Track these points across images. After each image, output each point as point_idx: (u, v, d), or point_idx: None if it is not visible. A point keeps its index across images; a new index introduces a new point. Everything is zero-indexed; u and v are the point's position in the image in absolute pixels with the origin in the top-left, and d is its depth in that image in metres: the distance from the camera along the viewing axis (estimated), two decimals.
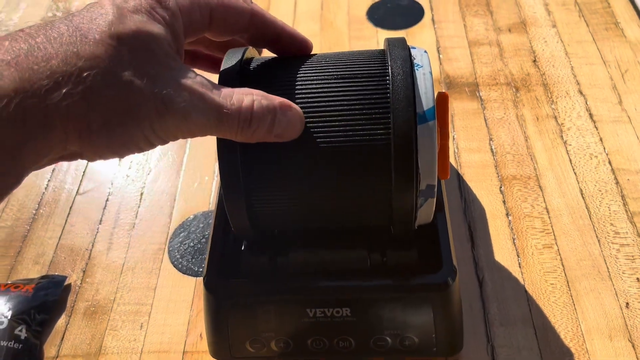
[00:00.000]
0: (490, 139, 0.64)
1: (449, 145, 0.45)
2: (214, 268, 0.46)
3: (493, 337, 0.49)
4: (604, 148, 0.62)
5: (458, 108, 0.67)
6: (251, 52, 0.45)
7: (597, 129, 0.64)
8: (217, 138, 0.40)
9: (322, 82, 0.41)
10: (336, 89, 0.41)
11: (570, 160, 0.61)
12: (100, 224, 0.61)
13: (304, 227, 0.47)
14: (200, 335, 0.52)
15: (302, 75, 0.42)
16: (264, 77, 0.42)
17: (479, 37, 0.75)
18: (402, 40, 0.43)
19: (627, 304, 0.50)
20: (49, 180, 0.65)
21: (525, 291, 0.52)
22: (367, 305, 0.45)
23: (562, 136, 0.63)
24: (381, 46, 0.58)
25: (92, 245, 0.59)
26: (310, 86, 0.41)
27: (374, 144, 0.40)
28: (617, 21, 0.75)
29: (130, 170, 0.65)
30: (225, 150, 0.40)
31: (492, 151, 0.63)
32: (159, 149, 0.67)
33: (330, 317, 0.45)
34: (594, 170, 0.60)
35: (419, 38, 0.76)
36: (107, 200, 0.63)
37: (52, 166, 0.66)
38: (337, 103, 0.40)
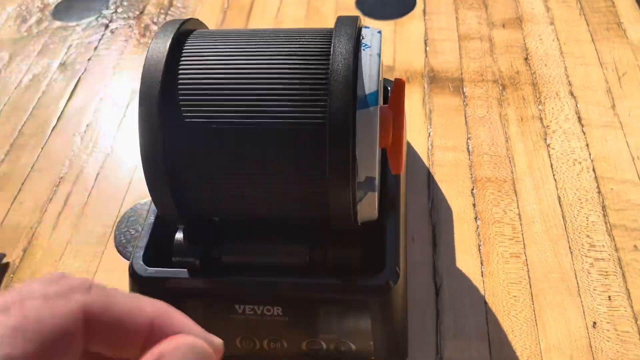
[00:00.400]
0: (469, 138, 0.60)
1: (404, 136, 0.41)
2: (142, 255, 0.43)
3: (443, 349, 0.45)
4: (590, 154, 0.57)
5: (438, 104, 0.63)
6: (192, 23, 0.42)
7: (584, 134, 0.59)
8: (139, 115, 0.37)
9: (261, 57, 0.38)
10: (275, 66, 0.37)
11: (552, 165, 0.56)
12: (49, 202, 0.58)
13: (242, 216, 0.44)
14: None
15: (241, 50, 0.39)
16: (198, 53, 0.39)
17: (471, 31, 0.71)
18: (353, 18, 0.40)
19: (594, 323, 0.46)
20: (5, 155, 0.63)
21: (485, 302, 0.48)
22: (299, 305, 0.41)
23: (545, 139, 0.59)
24: None
25: (38, 225, 0.56)
26: (247, 62, 0.38)
27: (309, 128, 0.36)
28: (620, 21, 0.70)
29: (89, 149, 0.63)
30: (146, 129, 0.37)
31: (468, 150, 0.59)
32: (122, 130, 0.65)
33: (261, 315, 0.42)
34: (576, 177, 0.55)
35: (407, 29, 0.72)
36: (61, 178, 0.60)
37: (10, 140, 0.64)
38: (274, 81, 0.37)
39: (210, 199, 0.40)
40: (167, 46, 0.38)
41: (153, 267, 0.43)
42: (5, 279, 0.52)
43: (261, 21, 0.75)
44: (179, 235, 0.44)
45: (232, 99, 0.37)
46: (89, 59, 0.73)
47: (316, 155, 0.37)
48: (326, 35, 0.39)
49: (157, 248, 0.44)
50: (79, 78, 0.71)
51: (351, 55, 0.36)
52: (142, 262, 0.43)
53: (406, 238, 0.51)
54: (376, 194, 0.38)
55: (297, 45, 0.38)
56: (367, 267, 0.42)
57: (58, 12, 0.80)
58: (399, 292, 0.41)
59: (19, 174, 0.61)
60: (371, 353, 0.42)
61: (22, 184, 0.60)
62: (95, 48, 0.75)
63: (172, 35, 0.38)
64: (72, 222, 0.56)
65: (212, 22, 0.76)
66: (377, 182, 0.38)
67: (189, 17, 0.78)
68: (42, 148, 0.63)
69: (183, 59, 0.38)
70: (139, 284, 0.42)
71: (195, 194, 0.39)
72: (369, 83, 0.36)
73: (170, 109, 0.37)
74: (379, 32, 0.40)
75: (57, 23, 0.78)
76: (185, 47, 0.39)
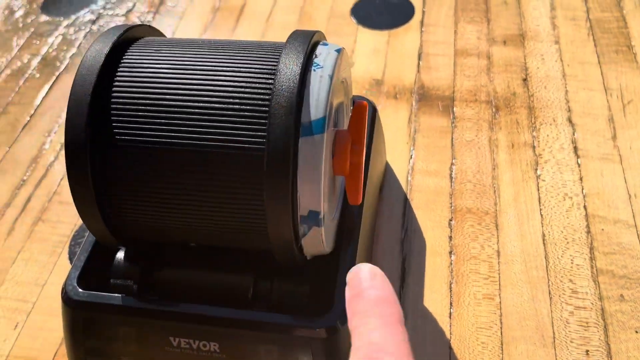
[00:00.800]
0: (453, 163, 0.56)
1: (362, 164, 0.38)
2: (76, 275, 0.40)
3: None
4: (583, 189, 0.53)
5: (425, 123, 0.59)
6: (141, 30, 0.39)
7: (579, 166, 0.54)
8: (65, 131, 0.34)
9: (204, 73, 0.35)
10: (216, 84, 0.34)
11: (540, 199, 0.52)
12: (8, 207, 0.56)
13: (181, 243, 0.41)
14: None
15: (184, 63, 0.35)
16: (136, 64, 0.35)
17: (469, 46, 0.67)
18: (308, 33, 0.36)
19: None
20: None
21: (450, 348, 0.44)
22: (238, 343, 0.38)
23: (536, 169, 0.54)
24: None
25: None
26: (188, 77, 0.35)
27: (248, 154, 0.33)
28: (632, 44, 0.65)
29: (56, 152, 0.60)
30: (73, 148, 0.34)
31: (451, 177, 0.54)
32: None
33: (197, 350, 0.39)
34: (565, 213, 0.51)
35: (402, 40, 0.68)
36: (22, 183, 0.58)
37: None
38: (214, 100, 0.34)
39: (145, 225, 0.36)
40: (104, 55, 0.35)
41: (91, 289, 0.40)
42: None
43: (250, 25, 0.72)
44: (120, 255, 0.41)
45: (167, 118, 0.34)
46: (71, 56, 0.71)
47: (255, 185, 0.33)
48: (277, 51, 0.36)
49: (98, 268, 0.41)
50: (58, 75, 0.69)
51: (297, 77, 0.33)
52: (75, 284, 0.40)
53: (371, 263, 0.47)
54: (322, 229, 0.35)
55: (245, 61, 0.35)
56: (317, 302, 0.39)
57: (46, 6, 0.78)
58: (346, 334, 0.38)
59: None
60: None
61: None
62: (79, 45, 0.72)
63: (110, 43, 0.35)
64: (27, 229, 0.54)
65: (201, 23, 0.73)
66: (322, 216, 0.34)
67: (178, 16, 0.75)
68: (9, 147, 0.61)
69: (119, 70, 0.35)
70: (69, 307, 0.39)
71: (128, 219, 0.36)
72: (316, 108, 0.33)
73: (99, 126, 0.34)
74: (338, 50, 0.36)
75: (44, 17, 0.76)
76: (125, 57, 0.36)
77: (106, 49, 0.35)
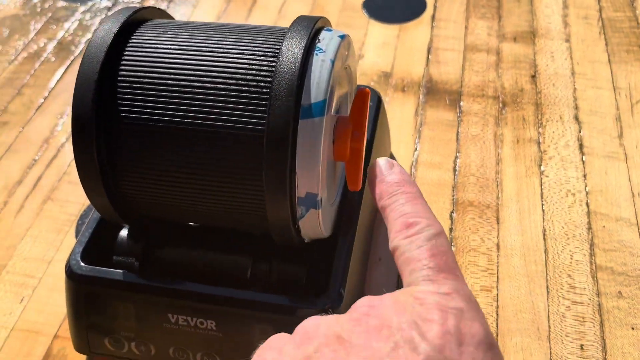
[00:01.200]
0: (457, 157, 0.56)
1: (362, 150, 0.38)
2: (81, 250, 0.41)
3: None
4: (586, 186, 0.53)
5: (431, 117, 0.59)
6: (149, 12, 0.40)
7: (583, 163, 0.54)
8: (72, 109, 0.35)
9: (208, 54, 0.35)
10: (220, 65, 0.35)
11: (542, 194, 0.52)
12: (19, 185, 0.57)
13: (183, 222, 0.42)
14: None
15: (190, 45, 0.36)
16: (143, 45, 0.36)
17: (479, 42, 0.67)
18: (312, 19, 0.37)
19: None
20: None
21: None
22: (234, 321, 0.39)
23: (540, 165, 0.55)
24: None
25: (4, 205, 0.55)
26: (193, 59, 0.35)
27: (247, 136, 0.34)
28: None
29: (68, 133, 0.62)
30: (79, 125, 0.35)
31: (454, 170, 0.55)
32: None
33: (194, 328, 0.39)
34: (567, 209, 0.51)
35: (412, 34, 0.68)
36: (35, 161, 0.59)
37: None
38: (217, 81, 0.34)
39: (148, 203, 0.37)
40: (113, 34, 0.36)
41: (94, 265, 0.41)
42: None
43: (263, 15, 0.73)
44: (123, 233, 0.42)
45: (172, 97, 0.34)
46: (86, 41, 0.72)
47: (255, 165, 0.34)
48: (281, 35, 0.36)
49: (102, 245, 0.42)
50: (73, 60, 0.70)
51: (299, 60, 0.33)
52: (79, 259, 0.41)
53: (368, 258, 0.47)
54: (319, 212, 0.35)
55: (249, 43, 0.36)
56: (314, 285, 0.39)
57: None
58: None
59: None
60: None
61: None
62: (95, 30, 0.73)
63: (119, 23, 0.36)
64: (37, 207, 0.55)
65: (214, 12, 0.74)
66: (320, 199, 0.35)
67: (192, 4, 0.76)
68: (22, 127, 0.62)
69: (127, 49, 0.36)
70: (73, 281, 0.40)
71: (130, 195, 0.37)
72: (316, 91, 0.33)
73: (106, 105, 0.35)
74: (342, 36, 0.37)
75: (61, 3, 0.78)
76: (133, 37, 0.37)
77: (115, 29, 0.36)
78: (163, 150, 0.35)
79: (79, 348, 0.43)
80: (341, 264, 0.39)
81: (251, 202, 0.35)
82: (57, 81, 0.67)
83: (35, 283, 0.50)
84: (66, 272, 0.40)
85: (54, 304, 0.48)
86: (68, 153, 0.60)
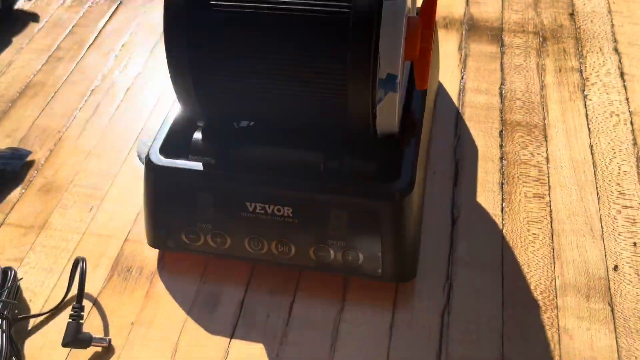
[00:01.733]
0: (502, 84, 0.58)
1: (430, 49, 0.40)
2: (160, 146, 0.43)
3: (453, 276, 0.44)
4: (629, 107, 0.55)
5: (475, 50, 0.62)
6: None
7: (625, 88, 0.57)
8: (165, 10, 0.37)
9: None
10: None
11: (587, 115, 0.54)
12: (79, 111, 0.59)
13: (261, 117, 0.44)
14: None
15: None
16: None
17: None
18: None
19: (616, 266, 0.44)
20: (43, 65, 0.64)
21: (503, 237, 0.46)
22: (310, 207, 0.41)
23: (583, 90, 0.57)
24: None
25: (66, 129, 0.57)
26: None
27: (334, 17, 0.36)
28: None
29: (123, 66, 0.64)
30: (171, 16, 0.37)
31: (501, 95, 0.57)
32: (155, 53, 0.65)
33: (271, 215, 0.41)
34: (612, 128, 0.53)
35: None
36: (92, 90, 0.61)
37: (49, 52, 0.66)
38: None
39: (231, 93, 0.39)
40: None
41: (168, 157, 0.42)
42: (28, 175, 0.53)
43: None
44: (197, 135, 0.43)
45: None
46: None
47: (339, 47, 0.36)
48: None
49: (174, 147, 0.44)
50: (120, 2, 0.72)
51: None
52: (158, 152, 0.43)
53: (427, 165, 0.49)
54: (397, 95, 0.37)
55: None
56: (383, 179, 0.41)
57: None
58: (412, 202, 0.40)
59: (53, 83, 0.62)
60: (378, 267, 0.41)
61: (55, 92, 0.61)
62: None
63: None
64: (98, 130, 0.57)
65: None
66: (399, 81, 0.37)
67: None
68: (77, 62, 0.64)
69: None
70: (153, 172, 0.42)
71: (216, 88, 0.39)
72: None
73: None
74: None
75: None
76: None
77: None
78: (251, 35, 0.37)
79: (154, 243, 0.45)
80: (411, 154, 0.41)
81: (333, 86, 0.37)
82: (106, 22, 0.69)
83: (103, 195, 0.52)
84: (147, 164, 0.42)
85: (122, 212, 0.50)
86: (123, 84, 0.62)
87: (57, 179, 0.53)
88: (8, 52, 0.66)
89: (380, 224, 0.40)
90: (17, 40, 0.68)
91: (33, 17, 0.70)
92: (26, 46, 0.67)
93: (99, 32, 0.68)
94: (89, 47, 0.66)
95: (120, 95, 0.60)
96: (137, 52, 0.65)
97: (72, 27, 0.69)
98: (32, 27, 0.69)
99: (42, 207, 0.51)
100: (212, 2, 0.37)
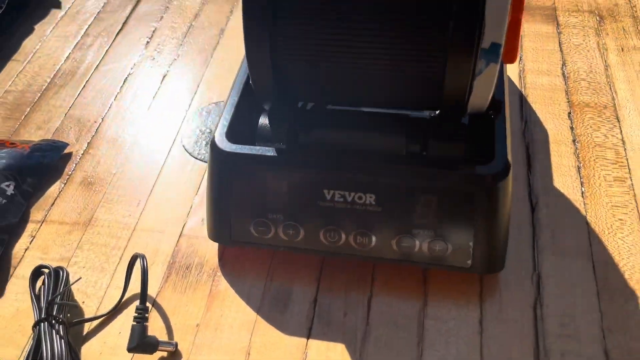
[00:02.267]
0: (564, 64, 0.55)
1: (521, 21, 0.37)
2: (225, 130, 0.40)
3: (541, 265, 0.41)
4: None
5: (529, 30, 0.59)
6: None
7: None
8: None
9: None
10: None
11: None
12: (114, 99, 0.55)
13: (337, 102, 0.40)
14: (203, 220, 0.45)
15: None
16: None
17: None
18: None
19: None
20: (69, 54, 0.60)
21: (587, 223, 0.43)
22: (396, 193, 0.37)
23: None
24: None
25: (102, 120, 0.53)
26: None
27: None
28: None
29: (157, 52, 0.60)
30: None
31: (564, 76, 0.54)
32: (189, 36, 0.62)
33: (351, 204, 0.38)
34: None
35: None
36: (126, 78, 0.57)
37: (75, 39, 0.62)
38: None
39: (316, 69, 0.35)
40: None
41: (234, 142, 0.39)
42: (67, 168, 0.49)
43: None
44: (264, 119, 0.40)
45: None
46: None
47: (441, 12, 0.33)
48: None
49: (238, 124, 0.40)
50: None
51: None
52: (224, 137, 0.39)
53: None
54: (497, 66, 0.34)
55: None
56: (469, 162, 0.38)
57: None
58: (507, 186, 0.37)
59: (83, 71, 0.58)
60: (467, 257, 0.38)
61: (87, 81, 0.57)
62: None
63: None
64: (137, 119, 0.53)
65: None
66: (501, 51, 0.34)
67: None
68: (106, 50, 0.61)
69: None
70: (220, 158, 0.39)
71: (299, 64, 0.35)
72: None
73: None
74: None
75: None
76: None
77: None
78: (333, 11, 0.33)
79: (218, 237, 0.41)
80: (502, 135, 0.38)
81: (431, 57, 0.34)
82: (133, 7, 0.66)
83: (150, 187, 0.48)
84: (213, 149, 0.39)
85: (173, 205, 0.46)
86: (158, 72, 0.58)
87: (98, 172, 0.49)
88: (31, 39, 0.62)
89: (474, 211, 0.36)
90: (40, 28, 0.63)
91: (54, 3, 0.66)
92: (50, 33, 0.63)
93: (127, 18, 0.64)
94: (117, 34, 0.62)
95: (156, 83, 0.57)
96: (170, 37, 0.61)
97: (98, 12, 0.65)
98: (55, 14, 0.65)
99: (86, 203, 0.47)
100: None
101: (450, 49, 0.33)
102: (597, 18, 0.60)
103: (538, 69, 0.55)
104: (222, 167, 0.39)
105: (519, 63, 0.55)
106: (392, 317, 0.39)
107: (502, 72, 0.42)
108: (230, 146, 0.39)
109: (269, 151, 0.38)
